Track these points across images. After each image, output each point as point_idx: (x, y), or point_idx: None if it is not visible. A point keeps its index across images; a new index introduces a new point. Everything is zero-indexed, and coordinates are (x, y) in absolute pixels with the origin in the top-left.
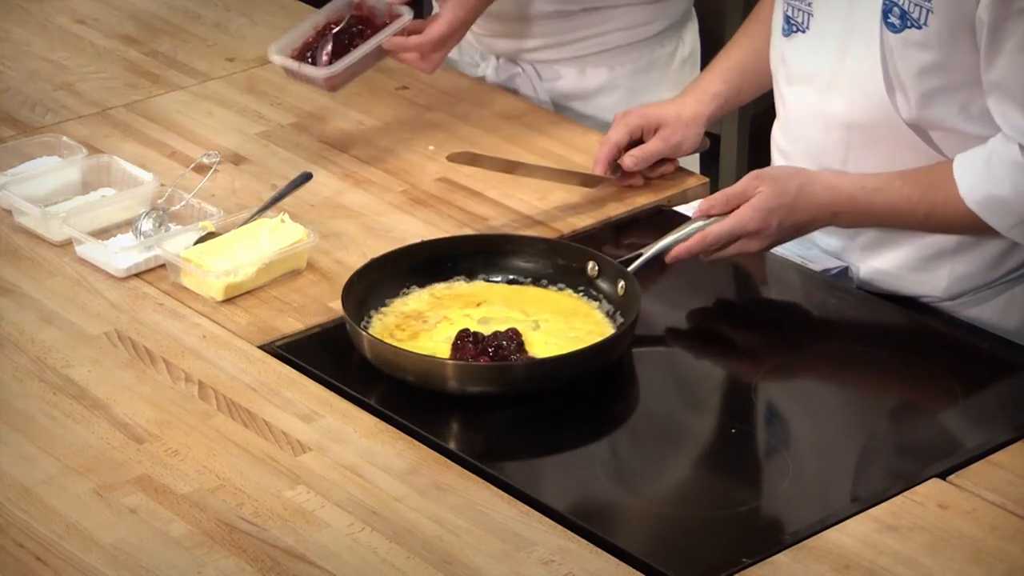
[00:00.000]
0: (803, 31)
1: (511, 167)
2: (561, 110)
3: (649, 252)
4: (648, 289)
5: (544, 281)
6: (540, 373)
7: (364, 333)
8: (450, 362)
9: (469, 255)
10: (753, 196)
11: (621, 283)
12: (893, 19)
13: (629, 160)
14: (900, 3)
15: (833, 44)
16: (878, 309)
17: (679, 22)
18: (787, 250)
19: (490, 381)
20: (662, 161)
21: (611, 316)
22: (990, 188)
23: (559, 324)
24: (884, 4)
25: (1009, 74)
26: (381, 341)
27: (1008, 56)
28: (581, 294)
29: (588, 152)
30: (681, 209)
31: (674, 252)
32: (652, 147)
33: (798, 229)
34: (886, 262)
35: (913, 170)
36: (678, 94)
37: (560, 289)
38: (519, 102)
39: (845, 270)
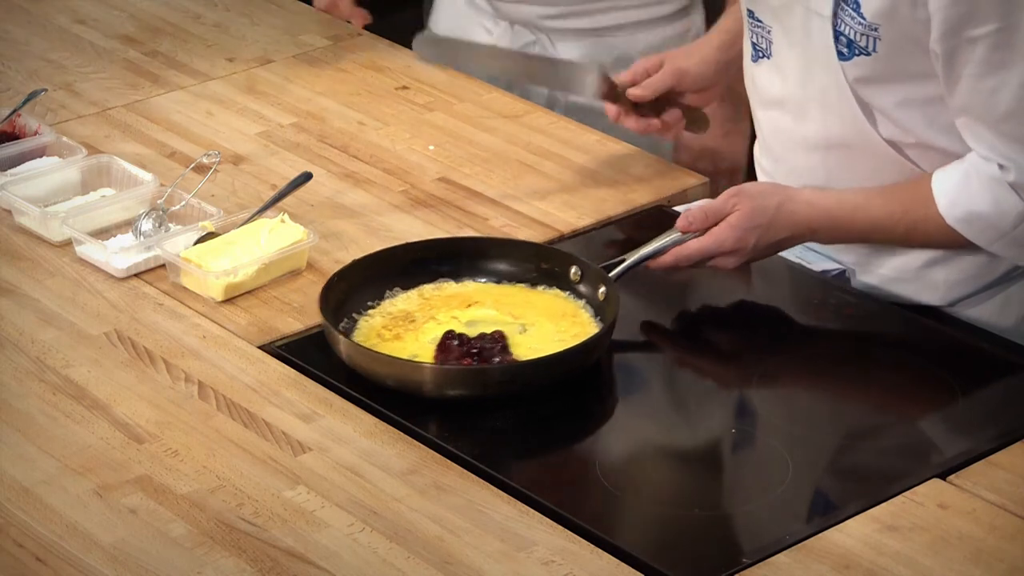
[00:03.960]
0: (767, 57)
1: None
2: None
3: (631, 259)
4: (647, 288)
5: (529, 283)
6: (515, 376)
7: (341, 336)
8: (427, 365)
9: (453, 257)
10: (731, 213)
11: (602, 289)
12: (841, 47)
13: (636, 89)
14: (846, 32)
15: (796, 70)
16: (876, 309)
17: (690, 6)
18: (786, 251)
19: (464, 385)
20: (671, 107)
21: (598, 314)
22: (969, 205)
23: (547, 327)
24: (833, 32)
25: (972, 99)
26: (358, 345)
27: (968, 82)
28: (569, 294)
29: (588, 151)
30: (682, 209)
31: (651, 265)
32: (657, 77)
33: (777, 246)
34: (881, 272)
35: (892, 186)
36: None
37: (548, 287)
38: (519, 102)
39: (843, 272)
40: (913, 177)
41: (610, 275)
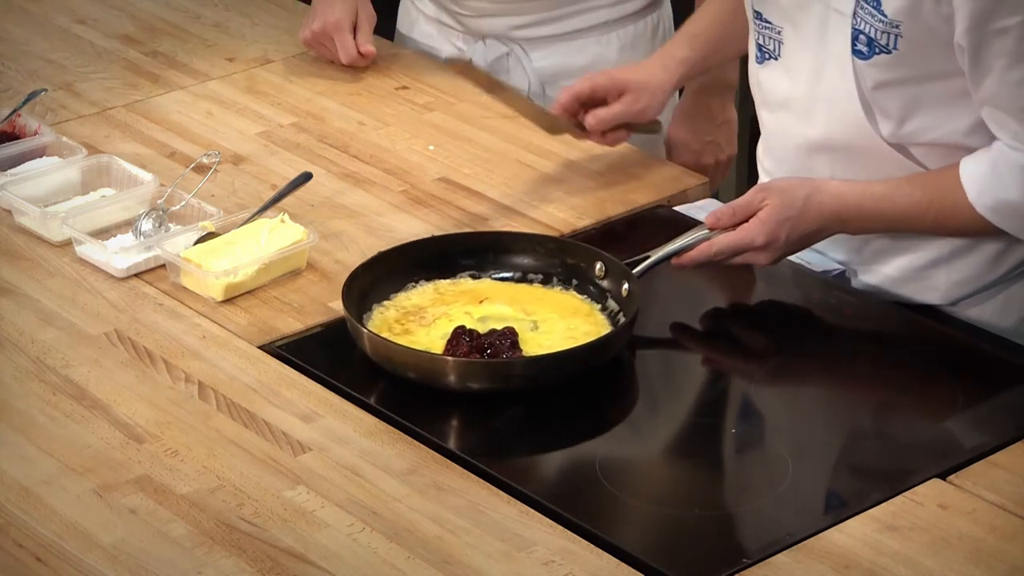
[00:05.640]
0: (775, 58)
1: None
2: (551, 93)
3: (656, 256)
4: (650, 290)
5: (554, 279)
6: (536, 370)
7: (364, 329)
8: (445, 358)
9: (478, 251)
10: (760, 209)
11: (625, 285)
12: (860, 46)
13: (591, 119)
14: (866, 31)
15: (806, 71)
16: (877, 309)
17: (657, 0)
18: None
19: (487, 378)
20: (618, 127)
21: (613, 317)
22: (999, 193)
23: (558, 324)
24: (852, 31)
25: (999, 92)
26: (380, 336)
27: (995, 75)
28: (585, 296)
29: (587, 151)
30: (682, 209)
31: (679, 260)
32: (615, 109)
33: (807, 239)
34: (883, 272)
35: (921, 175)
36: (646, 59)
37: (565, 289)
38: (519, 101)
39: (843, 272)
40: (942, 167)
41: (634, 271)
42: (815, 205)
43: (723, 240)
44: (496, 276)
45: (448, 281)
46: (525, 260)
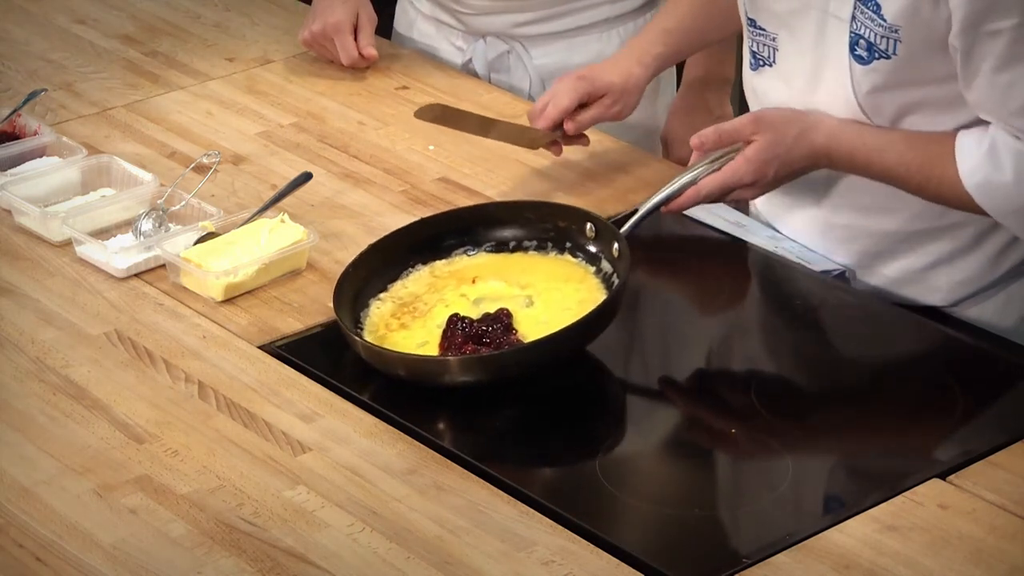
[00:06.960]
0: (770, 65)
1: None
2: None
3: (643, 209)
4: (646, 287)
5: (549, 245)
6: (529, 357)
7: (353, 336)
8: (434, 357)
9: (469, 228)
10: (749, 143)
11: (615, 245)
12: (860, 51)
13: (570, 125)
14: (866, 35)
15: (803, 77)
16: (877, 309)
17: None
18: (787, 251)
19: (481, 371)
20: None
21: (607, 279)
22: (991, 174)
23: (553, 296)
24: (850, 36)
25: (987, 94)
26: (367, 342)
27: (985, 77)
28: (580, 259)
29: (587, 151)
30: None
31: (669, 208)
32: (592, 113)
33: (795, 174)
34: (884, 273)
35: (917, 135)
36: (620, 52)
37: (560, 254)
38: (518, 102)
39: (843, 272)
40: (942, 132)
41: (622, 230)
42: (806, 143)
43: (711, 182)
44: (490, 249)
45: (443, 261)
46: (517, 230)
